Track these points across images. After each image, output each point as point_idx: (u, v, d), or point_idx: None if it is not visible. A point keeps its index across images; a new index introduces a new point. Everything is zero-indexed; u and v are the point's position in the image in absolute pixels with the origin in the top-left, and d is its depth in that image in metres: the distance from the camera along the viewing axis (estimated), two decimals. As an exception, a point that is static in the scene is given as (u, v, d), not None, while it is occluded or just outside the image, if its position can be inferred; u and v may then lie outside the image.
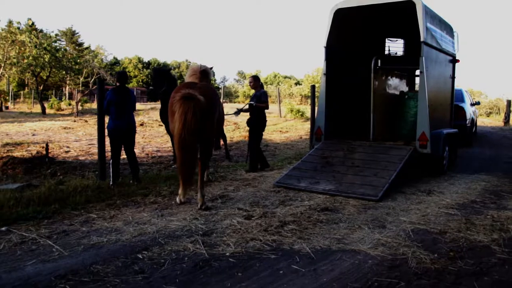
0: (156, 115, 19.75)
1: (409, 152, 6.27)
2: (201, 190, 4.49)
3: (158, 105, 12.59)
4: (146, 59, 61.04)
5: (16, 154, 8.12)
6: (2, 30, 24.61)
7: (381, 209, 4.75)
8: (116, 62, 57.64)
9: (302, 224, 4.09)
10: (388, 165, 5.91)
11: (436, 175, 6.83)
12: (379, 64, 7.30)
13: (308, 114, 17.26)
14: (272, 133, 14.06)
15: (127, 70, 55.99)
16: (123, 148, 5.83)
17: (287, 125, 16.71)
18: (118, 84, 5.82)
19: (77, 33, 49.75)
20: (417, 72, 7.48)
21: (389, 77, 8.10)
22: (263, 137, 9.04)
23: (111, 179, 5.58)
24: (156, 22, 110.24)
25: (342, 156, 6.51)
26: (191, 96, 3.93)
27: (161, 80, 7.25)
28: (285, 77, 66.21)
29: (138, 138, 11.18)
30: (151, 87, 7.33)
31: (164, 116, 7.04)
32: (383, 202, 5.04)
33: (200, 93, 4.09)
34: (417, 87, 7.74)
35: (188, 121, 3.87)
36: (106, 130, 5.76)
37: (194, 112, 3.89)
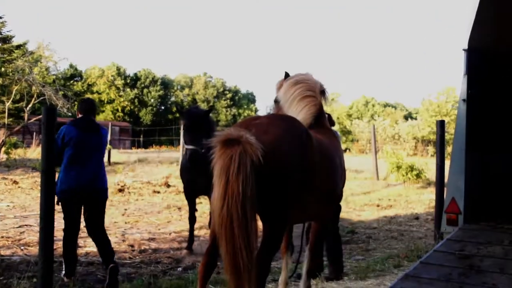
0: (147, 172, 18.31)
1: None
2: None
3: (150, 154, 10.00)
4: (130, 71, 57.24)
5: None
6: None
7: None
8: (75, 74, 52.33)
9: None
10: None
11: None
12: None
13: (429, 173, 15.79)
14: (363, 207, 12.50)
15: (96, 89, 50.93)
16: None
17: (389, 193, 14.93)
18: (81, 115, 5.66)
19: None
20: None
21: None
22: (344, 215, 8.73)
23: (64, 271, 5.40)
24: (152, 17, 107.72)
25: (502, 255, 5.48)
26: (235, 139, 3.31)
27: (200, 129, 6.69)
28: (386, 105, 61.09)
29: (116, 215, 10.35)
30: (192, 147, 6.61)
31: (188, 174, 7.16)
32: None
33: (257, 129, 3.48)
34: None
35: (231, 183, 3.26)
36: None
37: (240, 166, 3.24)
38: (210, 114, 7.54)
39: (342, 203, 12.54)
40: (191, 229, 7.24)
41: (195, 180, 7.02)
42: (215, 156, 3.49)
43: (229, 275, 3.48)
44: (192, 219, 7.25)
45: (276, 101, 4.75)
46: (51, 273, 4.94)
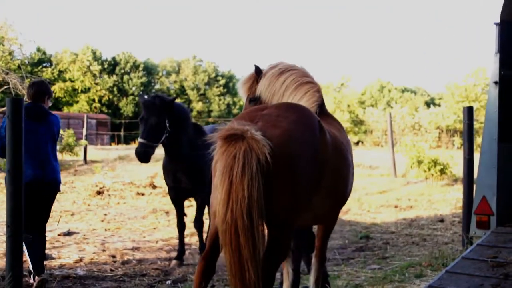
0: (130, 171, 18.32)
1: None
2: None
3: (132, 150, 10.18)
4: (107, 55, 58.58)
5: None
6: None
7: None
8: (43, 59, 52.83)
9: None
10: None
11: None
12: None
13: (455, 169, 15.72)
14: (379, 209, 12.57)
15: (68, 76, 51.27)
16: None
17: (409, 192, 14.99)
18: (30, 101, 5.87)
19: None
20: None
21: None
22: (357, 217, 8.84)
23: (31, 271, 5.56)
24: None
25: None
26: (238, 134, 3.34)
27: (159, 120, 6.87)
28: (404, 90, 61.17)
29: (95, 221, 10.45)
30: (141, 140, 6.85)
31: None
32: None
33: (264, 122, 3.53)
34: None
35: (235, 186, 3.30)
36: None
37: (245, 166, 3.28)
38: (180, 105, 7.62)
39: (354, 204, 12.68)
40: (181, 236, 7.26)
41: (178, 181, 7.16)
42: (216, 154, 3.50)
43: None
44: (181, 226, 7.27)
45: (254, 100, 4.74)
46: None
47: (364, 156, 23.84)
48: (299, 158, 3.60)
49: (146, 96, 7.18)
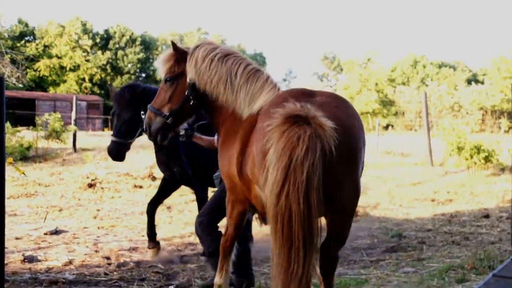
0: (126, 161, 17.19)
1: None
2: None
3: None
4: (99, 28, 58.89)
5: None
6: None
7: None
8: (25, 32, 53.41)
9: None
10: None
11: None
12: None
13: (503, 156, 16.04)
14: (412, 203, 12.56)
15: (55, 52, 51.72)
16: None
17: (448, 184, 14.96)
18: None
19: None
20: None
21: None
22: (388, 213, 9.38)
23: None
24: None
25: None
26: (304, 117, 3.65)
27: (132, 114, 7.00)
28: (441, 65, 61.38)
29: (86, 218, 10.54)
30: (113, 138, 7.13)
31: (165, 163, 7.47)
32: None
33: (325, 112, 3.79)
34: None
35: (295, 168, 3.54)
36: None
37: (308, 150, 3.55)
38: (156, 90, 7.72)
39: (384, 198, 12.65)
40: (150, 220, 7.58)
41: (172, 171, 7.40)
42: (273, 131, 3.72)
43: (280, 285, 3.72)
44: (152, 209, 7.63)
45: (171, 79, 4.95)
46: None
47: (394, 142, 23.65)
48: (359, 152, 3.98)
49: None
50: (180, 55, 4.98)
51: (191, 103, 4.85)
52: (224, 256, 4.99)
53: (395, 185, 14.31)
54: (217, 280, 5.11)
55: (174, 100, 4.90)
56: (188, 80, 4.87)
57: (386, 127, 55.09)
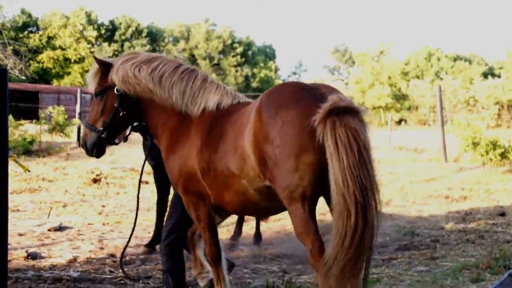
0: (131, 155, 18.07)
1: None
2: None
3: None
4: (104, 18, 60.20)
5: None
6: None
7: None
8: (28, 22, 53.73)
9: None
10: None
11: None
12: None
13: None
14: (426, 200, 12.62)
15: (58, 43, 52.35)
16: None
17: (463, 180, 15.04)
18: None
19: None
20: None
21: None
22: (400, 210, 9.50)
23: None
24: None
25: None
26: (358, 111, 3.88)
27: None
28: (456, 58, 61.82)
29: (91, 214, 10.56)
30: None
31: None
32: None
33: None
34: None
35: (367, 152, 3.78)
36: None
37: (367, 139, 3.84)
38: None
39: (397, 194, 12.66)
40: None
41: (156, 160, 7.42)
42: (327, 122, 3.77)
43: (342, 277, 3.74)
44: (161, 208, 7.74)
45: (100, 94, 4.96)
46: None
47: (408, 137, 23.53)
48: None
49: None
50: (105, 68, 5.03)
51: (121, 114, 4.93)
52: (214, 264, 4.96)
53: (408, 181, 14.33)
54: None
55: (105, 113, 4.98)
56: (115, 91, 4.94)
57: (399, 122, 54.92)
